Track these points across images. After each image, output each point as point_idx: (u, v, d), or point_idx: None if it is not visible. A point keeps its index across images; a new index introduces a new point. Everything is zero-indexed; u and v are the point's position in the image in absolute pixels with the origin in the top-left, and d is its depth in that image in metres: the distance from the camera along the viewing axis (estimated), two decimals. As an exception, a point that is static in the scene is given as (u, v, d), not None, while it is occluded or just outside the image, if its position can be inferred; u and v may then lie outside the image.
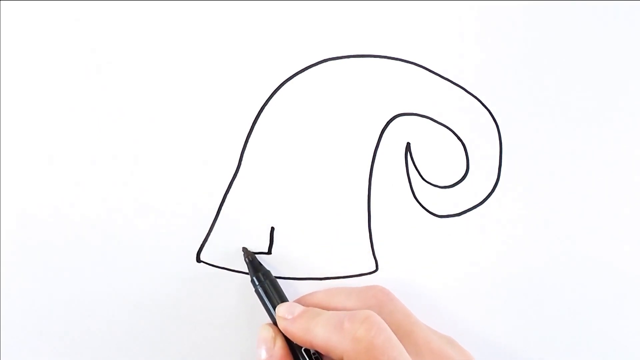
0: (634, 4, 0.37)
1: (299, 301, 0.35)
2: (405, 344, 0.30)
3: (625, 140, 0.38)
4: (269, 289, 0.35)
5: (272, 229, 0.37)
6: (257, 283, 0.35)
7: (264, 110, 0.37)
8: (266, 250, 0.37)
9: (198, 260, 0.36)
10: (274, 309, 0.34)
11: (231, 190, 0.37)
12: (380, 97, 0.37)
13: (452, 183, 0.37)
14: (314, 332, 0.31)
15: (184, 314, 0.36)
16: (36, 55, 0.36)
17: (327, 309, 0.33)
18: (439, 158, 0.37)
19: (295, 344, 0.33)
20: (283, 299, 0.35)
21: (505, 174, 0.37)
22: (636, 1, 0.37)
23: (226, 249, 0.36)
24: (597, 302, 0.38)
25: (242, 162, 0.37)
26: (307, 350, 0.33)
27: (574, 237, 0.37)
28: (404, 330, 0.30)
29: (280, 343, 0.33)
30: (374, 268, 0.37)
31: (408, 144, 0.37)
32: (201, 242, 0.36)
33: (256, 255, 0.36)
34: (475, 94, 0.37)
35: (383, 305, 0.32)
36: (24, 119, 0.36)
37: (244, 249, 0.36)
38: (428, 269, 0.37)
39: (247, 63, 0.36)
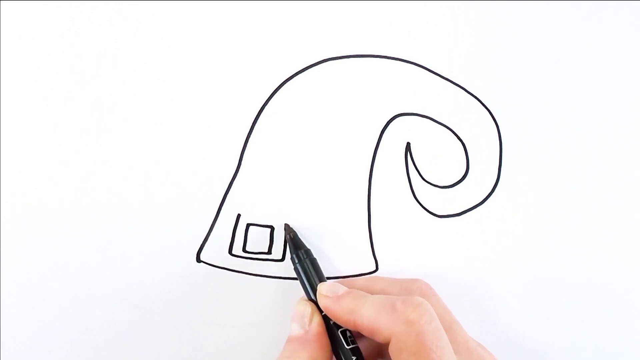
0: (633, 4, 0.37)
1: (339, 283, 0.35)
2: None
3: (625, 140, 0.38)
4: (308, 267, 0.34)
5: (272, 228, 0.37)
6: (296, 261, 0.35)
7: (264, 110, 0.37)
8: (266, 250, 0.37)
9: (198, 260, 0.36)
10: (313, 288, 0.34)
11: (231, 190, 0.37)
12: (380, 97, 0.37)
13: (452, 183, 0.37)
14: (360, 311, 0.31)
15: (184, 314, 0.36)
16: (36, 55, 0.36)
17: (369, 293, 0.33)
18: (439, 158, 0.37)
19: (334, 324, 0.33)
20: (322, 279, 0.34)
21: (505, 174, 0.37)
22: (636, 1, 0.37)
23: (226, 249, 0.36)
24: (597, 302, 0.38)
25: (242, 162, 0.37)
26: (343, 332, 0.32)
27: (574, 237, 0.37)
28: (445, 326, 0.31)
29: (317, 320, 0.33)
30: (374, 268, 0.37)
31: (408, 144, 0.37)
32: (201, 242, 0.36)
33: (297, 234, 0.36)
34: (475, 94, 0.37)
35: (427, 298, 0.32)
36: (24, 118, 0.36)
37: (286, 225, 0.36)
38: (428, 269, 0.37)
39: (247, 63, 0.36)
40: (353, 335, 0.33)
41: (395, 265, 0.37)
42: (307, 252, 0.35)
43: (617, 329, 0.38)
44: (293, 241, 0.35)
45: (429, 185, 0.37)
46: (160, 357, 0.36)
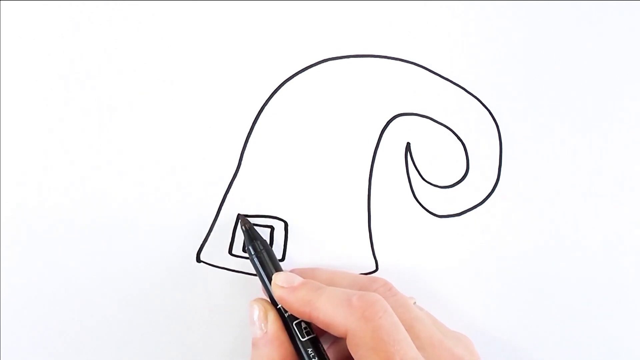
0: (633, 4, 0.37)
1: (298, 274, 0.34)
2: None
3: (625, 140, 0.38)
4: (264, 258, 0.34)
5: (272, 228, 0.37)
6: (252, 252, 0.34)
7: (264, 110, 0.37)
8: (266, 250, 0.37)
9: (198, 260, 0.36)
10: (269, 279, 0.33)
11: (231, 190, 0.37)
12: (380, 97, 0.37)
13: (452, 183, 0.37)
14: (316, 304, 0.31)
15: (184, 313, 0.36)
16: (36, 55, 0.36)
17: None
18: (439, 158, 0.37)
19: (288, 316, 0.32)
20: (278, 269, 0.34)
21: (505, 174, 0.37)
22: (636, 1, 0.37)
23: (226, 249, 0.36)
24: (597, 301, 0.38)
25: (242, 162, 0.37)
26: (298, 324, 0.32)
27: (574, 237, 0.37)
28: (406, 324, 0.30)
29: (272, 316, 0.32)
30: (374, 268, 0.37)
31: (408, 144, 0.37)
32: (201, 242, 0.36)
33: (253, 225, 0.35)
34: (475, 94, 0.37)
35: (386, 298, 0.31)
36: (24, 118, 0.36)
37: (240, 216, 0.35)
38: (428, 269, 0.37)
39: (247, 63, 0.36)
40: (309, 326, 0.32)
41: (395, 265, 0.37)
42: (263, 243, 0.34)
43: (616, 328, 0.38)
44: (248, 232, 0.35)
45: (429, 185, 0.37)
46: (159, 357, 0.36)
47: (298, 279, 0.32)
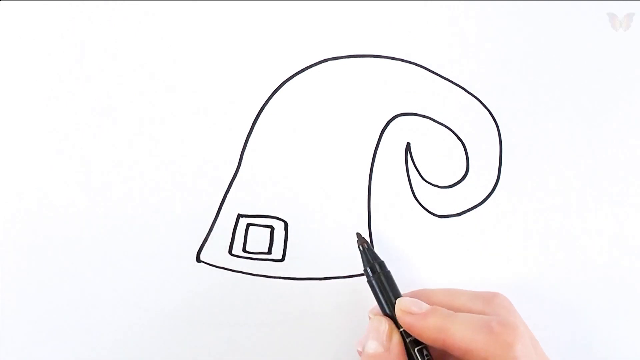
0: (634, 4, 0.37)
1: (413, 296, 0.33)
2: None
3: (625, 140, 0.38)
4: (384, 281, 0.33)
5: (272, 228, 0.37)
6: (371, 274, 0.34)
7: (264, 110, 0.37)
8: (266, 250, 0.37)
9: (198, 260, 0.36)
10: (390, 303, 0.33)
11: (231, 190, 0.37)
12: (380, 97, 0.37)
13: (452, 183, 0.37)
14: (451, 330, 0.30)
15: (184, 314, 0.36)
16: (36, 55, 0.36)
17: (451, 309, 0.32)
18: (439, 158, 0.37)
19: (410, 341, 0.32)
20: (398, 294, 0.33)
21: (505, 174, 0.37)
22: (636, 1, 0.37)
23: (226, 249, 0.36)
24: (597, 302, 0.38)
25: (242, 162, 0.37)
26: (419, 350, 0.32)
27: (574, 237, 0.37)
28: (532, 345, 0.31)
29: (397, 339, 0.32)
30: (374, 268, 0.37)
31: (408, 144, 0.37)
32: (201, 242, 0.36)
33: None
34: (475, 94, 0.37)
35: (509, 315, 0.32)
36: (24, 118, 0.36)
37: (358, 235, 0.35)
38: (428, 269, 0.37)
39: (247, 63, 0.36)
40: (430, 354, 0.32)
41: (395, 265, 0.37)
42: (382, 265, 0.34)
43: (617, 328, 0.38)
44: (366, 253, 0.34)
45: (429, 185, 0.37)
46: (160, 357, 0.36)
47: (425, 305, 0.32)
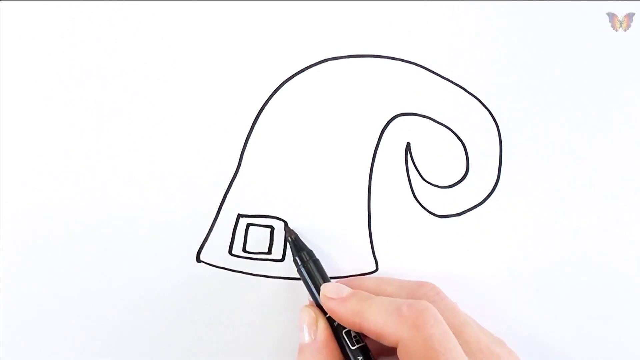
0: (633, 4, 0.37)
1: (345, 284, 0.34)
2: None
3: (625, 140, 0.38)
4: (312, 269, 0.34)
5: (272, 228, 0.37)
6: (299, 263, 0.34)
7: (264, 110, 0.37)
8: (266, 250, 0.37)
9: (198, 260, 0.36)
10: (318, 290, 0.33)
11: (231, 190, 0.37)
12: (380, 97, 0.37)
13: (452, 183, 0.37)
14: (366, 314, 0.31)
15: (184, 314, 0.36)
16: (36, 55, 0.36)
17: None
18: (439, 158, 0.37)
19: (337, 326, 0.33)
20: (326, 279, 0.34)
21: (505, 174, 0.37)
22: (636, 1, 0.37)
23: (226, 249, 0.36)
24: (598, 302, 0.38)
25: (242, 162, 0.37)
26: (347, 333, 0.32)
27: (574, 237, 0.37)
28: (455, 329, 0.31)
29: (322, 324, 0.33)
30: (374, 268, 0.37)
31: (408, 144, 0.37)
32: (201, 242, 0.36)
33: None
34: (475, 94, 0.37)
35: (434, 303, 0.31)
36: (24, 118, 0.36)
37: (286, 226, 0.36)
38: (428, 269, 0.37)
39: (247, 63, 0.36)
40: (359, 335, 0.32)
41: (395, 265, 0.37)
42: (310, 254, 0.35)
43: (617, 328, 0.38)
44: (295, 243, 0.35)
45: (429, 185, 0.37)
46: (160, 357, 0.36)
47: (347, 290, 0.33)
